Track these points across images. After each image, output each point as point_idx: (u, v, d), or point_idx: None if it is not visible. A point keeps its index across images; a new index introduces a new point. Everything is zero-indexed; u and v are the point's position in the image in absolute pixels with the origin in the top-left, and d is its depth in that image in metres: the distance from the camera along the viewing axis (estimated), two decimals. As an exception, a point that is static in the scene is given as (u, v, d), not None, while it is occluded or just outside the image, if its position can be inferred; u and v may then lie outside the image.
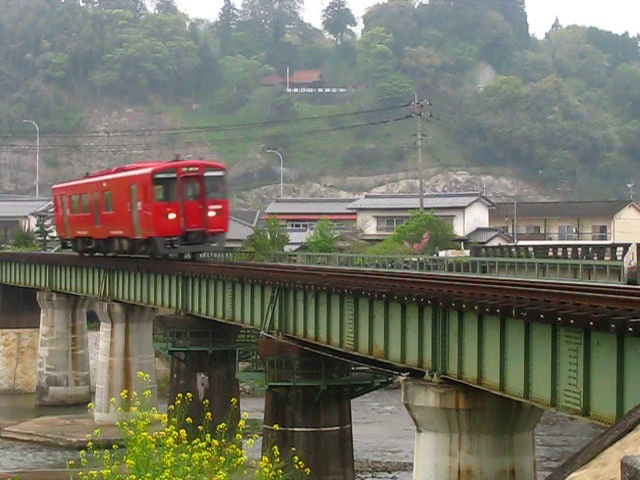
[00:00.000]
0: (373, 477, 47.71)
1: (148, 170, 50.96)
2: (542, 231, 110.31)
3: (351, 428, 39.72)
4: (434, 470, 26.75)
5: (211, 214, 49.51)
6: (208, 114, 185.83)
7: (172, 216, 48.95)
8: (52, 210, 74.15)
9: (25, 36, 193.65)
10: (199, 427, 17.02)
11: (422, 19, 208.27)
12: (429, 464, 26.95)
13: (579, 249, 60.65)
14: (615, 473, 8.76)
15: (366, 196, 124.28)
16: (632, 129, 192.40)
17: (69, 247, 65.59)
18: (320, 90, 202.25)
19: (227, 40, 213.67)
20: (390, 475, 48.09)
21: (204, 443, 16.71)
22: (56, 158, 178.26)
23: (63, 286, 64.86)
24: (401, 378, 28.78)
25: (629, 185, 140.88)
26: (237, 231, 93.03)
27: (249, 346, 48.50)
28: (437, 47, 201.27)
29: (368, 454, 51.18)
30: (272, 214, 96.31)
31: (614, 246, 57.85)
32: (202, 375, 48.91)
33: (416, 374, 27.42)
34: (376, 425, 59.36)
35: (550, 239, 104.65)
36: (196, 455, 16.23)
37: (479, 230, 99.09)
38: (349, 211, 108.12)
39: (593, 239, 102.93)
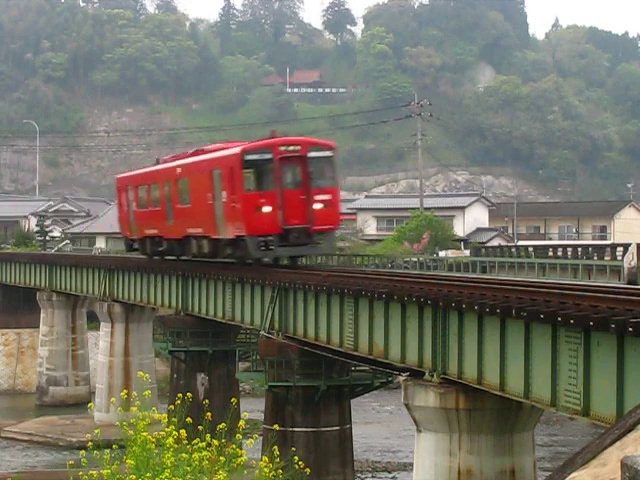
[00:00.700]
0: (373, 477, 47.72)
1: (236, 150, 40.15)
2: (542, 231, 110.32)
3: (351, 428, 39.71)
4: (434, 470, 26.75)
5: (317, 206, 38.96)
6: (208, 114, 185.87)
7: (267, 209, 38.56)
8: (115, 204, 61.40)
9: (25, 36, 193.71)
10: (199, 427, 17.03)
11: (422, 19, 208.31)
12: (429, 464, 26.95)
13: (579, 249, 60.65)
14: (615, 473, 8.76)
15: (366, 196, 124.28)
16: (632, 129, 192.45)
17: (135, 249, 54.66)
18: (320, 90, 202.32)
19: (227, 40, 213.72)
20: (390, 475, 48.09)
21: (204, 443, 16.72)
22: (56, 158, 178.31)
23: (63, 286, 64.83)
24: (401, 378, 28.76)
25: (629, 185, 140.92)
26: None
27: (249, 346, 48.49)
28: (437, 47, 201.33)
29: (368, 454, 51.17)
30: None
31: (614, 246, 57.85)
32: (202, 375, 48.90)
33: (416, 374, 27.41)
34: (376, 425, 59.35)
35: (550, 239, 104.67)
36: (196, 455, 16.24)
37: (479, 230, 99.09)
38: (349, 211, 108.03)
39: (593, 239, 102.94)
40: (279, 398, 38.29)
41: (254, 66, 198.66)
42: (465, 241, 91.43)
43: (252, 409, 49.93)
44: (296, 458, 19.03)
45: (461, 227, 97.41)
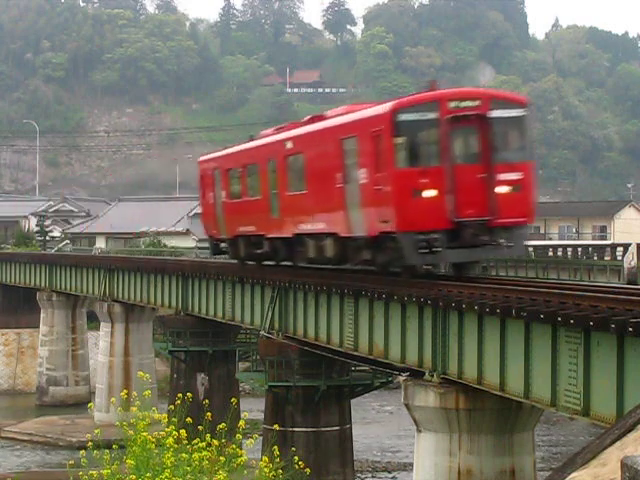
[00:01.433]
0: (373, 477, 47.72)
1: (384, 109, 28.28)
2: (542, 231, 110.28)
3: (351, 428, 39.72)
4: (434, 470, 26.74)
5: (502, 189, 27.39)
6: (208, 114, 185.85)
7: (430, 193, 27.15)
8: (199, 195, 45.70)
9: (25, 36, 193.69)
10: (199, 427, 17.02)
11: (422, 19, 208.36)
12: (429, 464, 26.94)
13: (579, 249, 60.62)
14: (615, 473, 8.76)
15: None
16: (632, 129, 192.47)
17: (223, 252, 43.63)
18: (320, 90, 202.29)
19: (227, 40, 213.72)
20: (390, 475, 48.10)
21: (204, 443, 16.72)
22: (56, 158, 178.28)
23: (63, 286, 64.82)
24: (401, 378, 28.73)
25: (629, 185, 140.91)
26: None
27: (249, 346, 48.51)
28: (437, 47, 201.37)
29: (368, 454, 51.17)
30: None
31: (614, 246, 57.81)
32: (202, 375, 48.90)
33: (416, 374, 27.40)
34: (376, 425, 59.35)
35: (550, 239, 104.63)
36: (196, 455, 16.24)
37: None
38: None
39: (593, 239, 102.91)
40: (279, 398, 38.30)
41: (254, 66, 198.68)
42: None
43: (252, 409, 49.94)
44: (296, 458, 19.02)
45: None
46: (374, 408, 63.94)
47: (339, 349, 32.83)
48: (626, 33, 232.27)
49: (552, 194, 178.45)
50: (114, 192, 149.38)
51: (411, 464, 31.00)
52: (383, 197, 27.81)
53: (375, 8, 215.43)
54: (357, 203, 29.24)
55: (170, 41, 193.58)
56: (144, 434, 16.23)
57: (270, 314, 37.89)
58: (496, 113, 27.34)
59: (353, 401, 41.11)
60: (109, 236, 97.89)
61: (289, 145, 34.39)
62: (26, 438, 56.15)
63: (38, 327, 68.92)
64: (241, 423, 17.96)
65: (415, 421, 27.59)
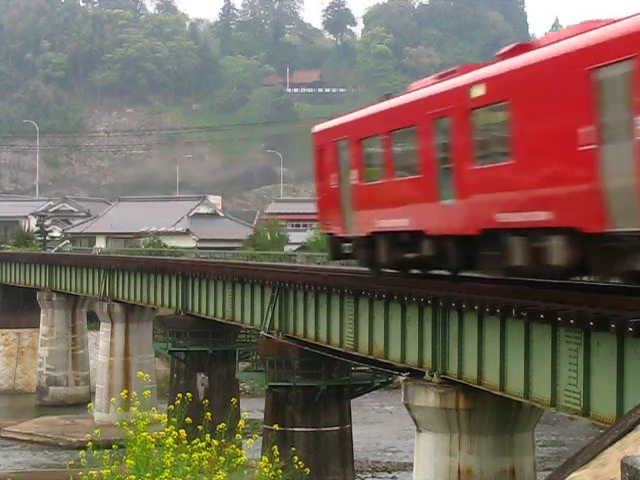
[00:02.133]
0: (373, 477, 47.71)
1: None
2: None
3: (351, 428, 39.74)
4: (434, 470, 26.73)
5: None
6: (208, 114, 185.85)
7: None
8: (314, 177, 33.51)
9: (25, 36, 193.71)
10: (199, 427, 17.02)
11: (422, 19, 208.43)
12: (429, 464, 26.94)
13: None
14: (615, 473, 8.75)
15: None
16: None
17: (348, 256, 31.69)
18: (320, 90, 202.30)
19: (227, 40, 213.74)
20: (390, 475, 48.09)
21: (204, 443, 16.71)
22: (56, 158, 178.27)
23: (63, 286, 64.83)
24: (401, 378, 28.74)
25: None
26: (237, 231, 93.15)
27: (249, 346, 48.52)
28: (437, 47, 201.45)
29: (368, 454, 51.17)
30: (272, 214, 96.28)
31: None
32: (202, 375, 48.92)
33: (416, 374, 27.41)
34: (376, 425, 59.34)
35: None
36: (196, 455, 16.24)
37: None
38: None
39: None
40: (279, 398, 38.30)
41: (254, 66, 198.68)
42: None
43: (252, 409, 49.92)
44: (296, 458, 19.01)
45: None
46: (374, 408, 63.93)
47: (339, 349, 32.83)
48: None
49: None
50: (114, 192, 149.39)
51: (411, 464, 31.01)
52: None
53: (375, 8, 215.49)
54: (628, 183, 17.48)
55: (170, 41, 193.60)
56: (144, 434, 16.23)
57: (270, 314, 37.90)
58: None
59: (353, 401, 41.11)
60: (109, 236, 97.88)
61: (479, 91, 22.19)
62: (26, 438, 56.15)
63: (38, 327, 68.92)
64: (241, 423, 17.96)
65: (415, 421, 27.59)
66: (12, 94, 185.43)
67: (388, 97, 28.61)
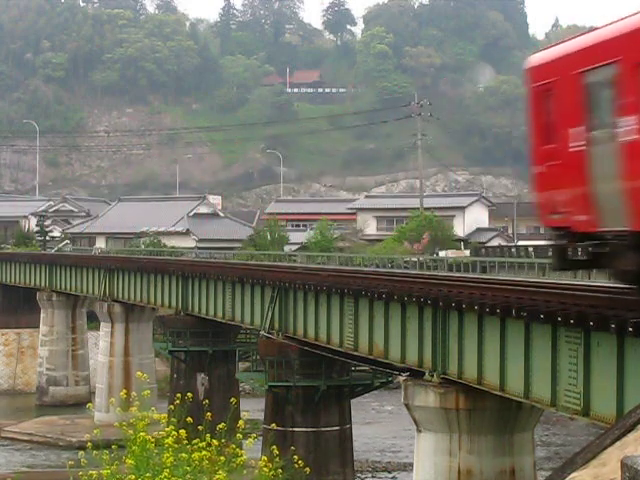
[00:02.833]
0: (373, 477, 47.70)
1: None
2: (542, 231, 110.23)
3: (351, 428, 39.73)
4: (434, 470, 26.74)
5: None
6: (208, 114, 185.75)
7: None
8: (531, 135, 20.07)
9: (25, 36, 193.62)
10: (199, 427, 17.01)
11: (422, 19, 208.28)
12: (429, 464, 26.94)
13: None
14: (615, 473, 8.75)
15: (366, 196, 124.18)
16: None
17: (581, 264, 19.20)
18: (320, 90, 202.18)
19: (227, 40, 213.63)
20: (390, 475, 48.07)
21: (204, 443, 16.70)
22: (56, 158, 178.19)
23: (63, 286, 64.83)
24: (401, 378, 28.76)
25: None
26: (237, 231, 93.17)
27: (249, 346, 48.51)
28: (437, 47, 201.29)
29: (368, 454, 51.15)
30: (272, 214, 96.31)
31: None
32: (202, 375, 48.91)
33: (416, 374, 27.41)
34: (376, 425, 59.32)
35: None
36: (196, 455, 16.23)
37: (479, 230, 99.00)
38: (349, 211, 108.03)
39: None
40: (279, 398, 38.29)
41: (254, 66, 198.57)
42: (465, 241, 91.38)
43: (252, 409, 49.91)
44: (296, 458, 19.01)
45: (461, 227, 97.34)
46: (374, 408, 63.92)
47: (339, 349, 32.84)
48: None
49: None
50: (114, 192, 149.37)
51: (411, 464, 31.01)
52: None
53: (375, 8, 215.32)
54: None
55: (170, 41, 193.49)
56: (143, 434, 16.22)
57: (270, 314, 37.90)
58: None
59: (353, 401, 41.09)
60: (109, 236, 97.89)
61: None
62: (26, 438, 56.13)
63: (38, 327, 68.92)
64: (241, 423, 17.96)
65: (415, 421, 27.59)
66: (12, 94, 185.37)
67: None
